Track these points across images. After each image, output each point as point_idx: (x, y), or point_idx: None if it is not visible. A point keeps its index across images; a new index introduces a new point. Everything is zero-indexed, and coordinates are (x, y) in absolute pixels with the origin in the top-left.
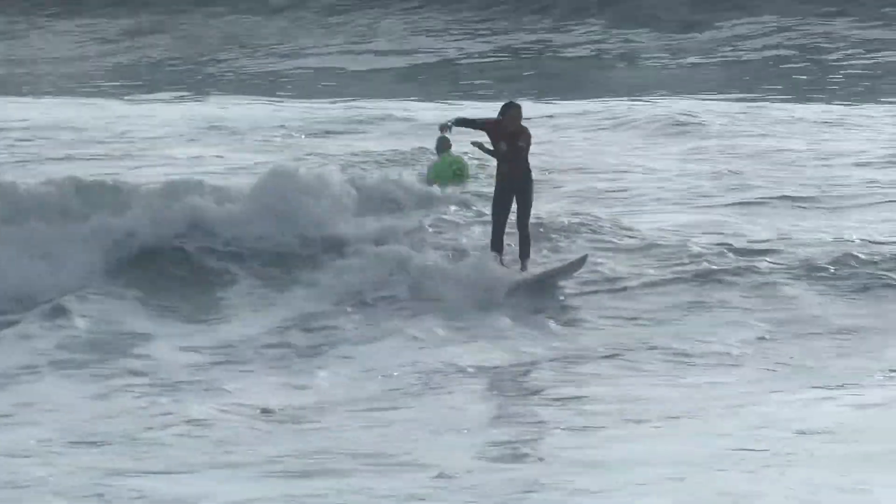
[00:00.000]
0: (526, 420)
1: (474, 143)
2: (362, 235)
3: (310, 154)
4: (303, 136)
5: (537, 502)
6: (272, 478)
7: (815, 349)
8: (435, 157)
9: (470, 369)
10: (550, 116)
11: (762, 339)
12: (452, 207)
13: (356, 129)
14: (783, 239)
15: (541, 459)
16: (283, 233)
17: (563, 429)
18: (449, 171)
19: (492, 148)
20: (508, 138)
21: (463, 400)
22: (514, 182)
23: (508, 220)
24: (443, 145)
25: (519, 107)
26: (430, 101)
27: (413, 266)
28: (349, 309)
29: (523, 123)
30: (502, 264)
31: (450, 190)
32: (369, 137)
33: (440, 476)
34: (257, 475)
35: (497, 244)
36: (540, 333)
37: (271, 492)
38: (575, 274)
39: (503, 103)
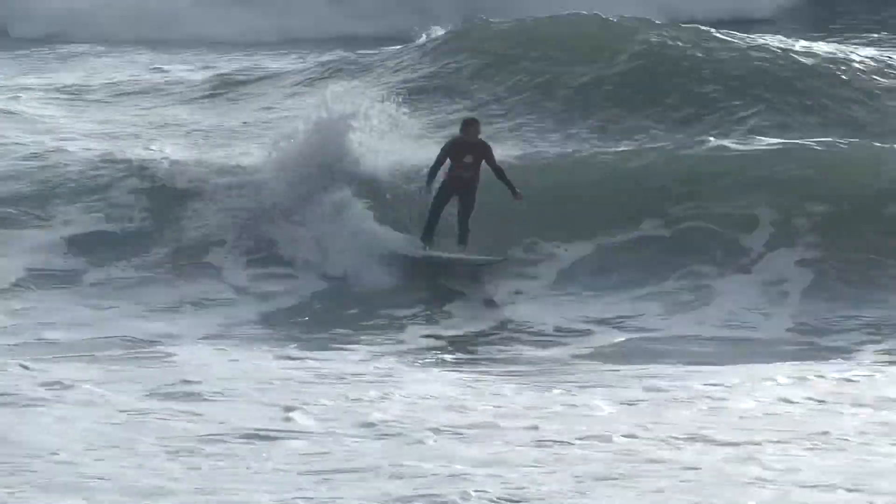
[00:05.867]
0: None
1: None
2: None
3: None
4: None
5: None
6: None
7: None
8: None
9: None
10: None
11: None
12: None
13: None
14: None
15: None
16: None
17: None
18: None
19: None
20: (470, 150)
21: None
22: (462, 183)
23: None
24: None
25: (477, 121)
26: None
27: None
28: None
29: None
30: (427, 251)
31: None
32: None
33: None
34: None
35: (428, 235)
36: None
37: None
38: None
39: (462, 119)
